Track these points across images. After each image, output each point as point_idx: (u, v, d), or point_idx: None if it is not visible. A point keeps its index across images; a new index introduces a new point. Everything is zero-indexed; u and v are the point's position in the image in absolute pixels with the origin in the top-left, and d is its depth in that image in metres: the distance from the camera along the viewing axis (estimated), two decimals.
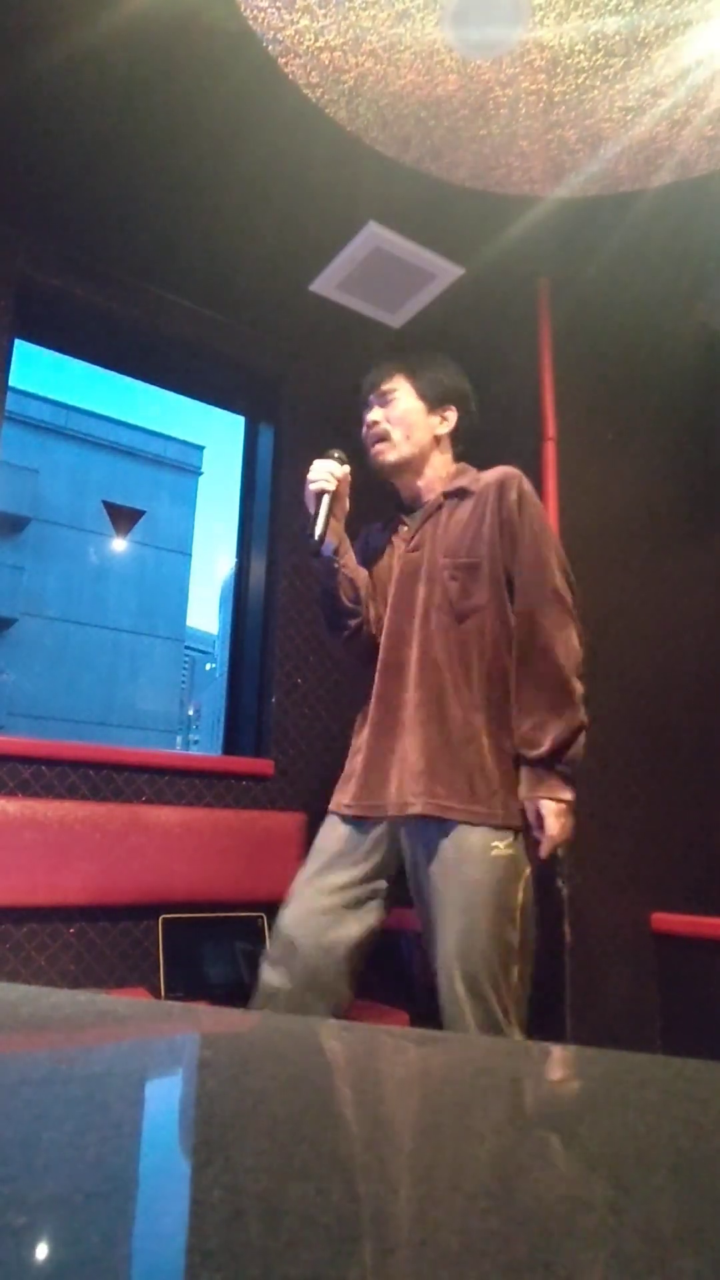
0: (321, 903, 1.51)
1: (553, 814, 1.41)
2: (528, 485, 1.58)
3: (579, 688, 1.47)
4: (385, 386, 1.64)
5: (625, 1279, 0.29)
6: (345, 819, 1.57)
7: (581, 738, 1.45)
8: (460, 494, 1.60)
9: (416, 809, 1.46)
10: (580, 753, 1.45)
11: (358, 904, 1.52)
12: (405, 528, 1.66)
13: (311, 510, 1.56)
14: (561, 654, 1.46)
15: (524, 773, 1.45)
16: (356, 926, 1.51)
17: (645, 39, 1.72)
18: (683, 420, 2.81)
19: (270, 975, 1.49)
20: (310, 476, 1.57)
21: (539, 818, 1.42)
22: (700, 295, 2.57)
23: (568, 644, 1.47)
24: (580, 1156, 0.44)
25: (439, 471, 1.66)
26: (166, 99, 1.94)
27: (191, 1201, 0.35)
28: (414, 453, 1.62)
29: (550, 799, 1.42)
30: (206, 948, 2.16)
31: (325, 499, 1.54)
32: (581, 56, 1.77)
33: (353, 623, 1.63)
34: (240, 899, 2.27)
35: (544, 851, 1.44)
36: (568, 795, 1.43)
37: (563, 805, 1.42)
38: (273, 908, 2.32)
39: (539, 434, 2.36)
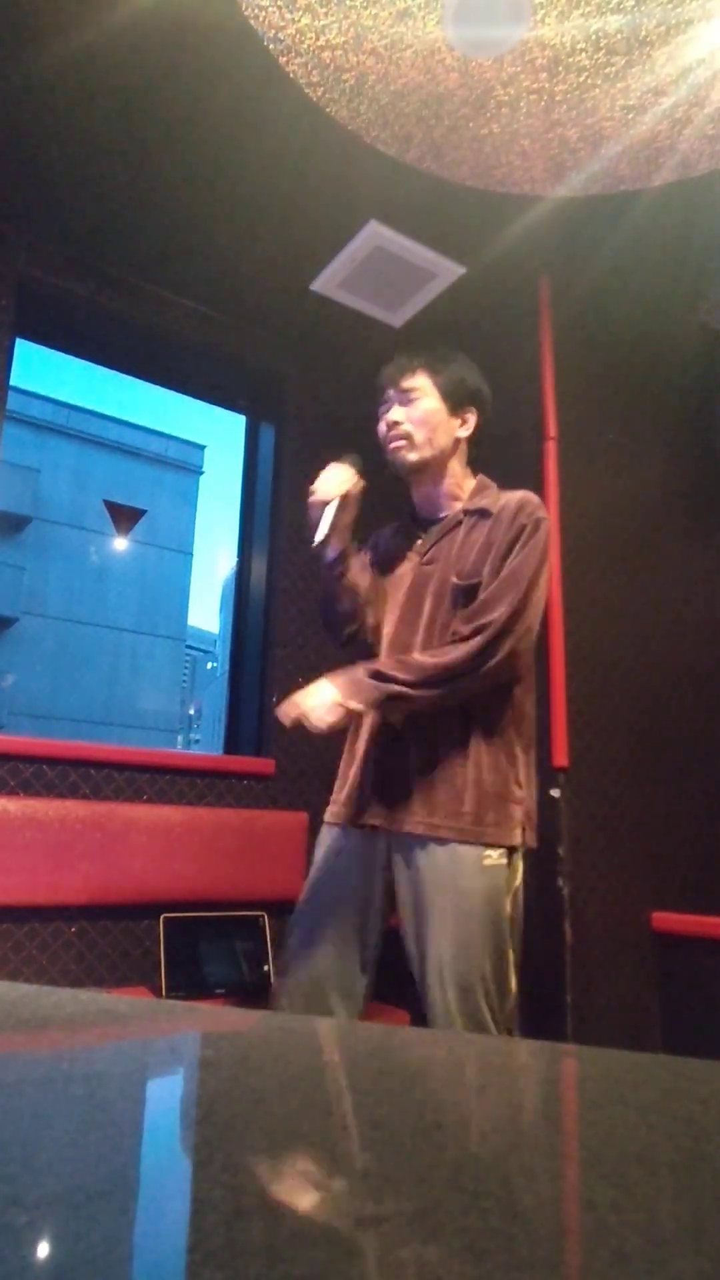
0: (328, 920, 1.51)
1: (323, 696, 1.41)
2: (543, 514, 1.53)
3: (428, 693, 1.42)
4: (407, 384, 1.58)
5: (626, 1279, 0.29)
6: (340, 830, 1.57)
7: (395, 694, 1.42)
8: (481, 514, 1.56)
9: (408, 827, 1.45)
10: (379, 696, 1.42)
11: (361, 913, 1.51)
12: (421, 540, 1.63)
13: (314, 516, 1.55)
14: (456, 666, 1.42)
15: (355, 675, 1.44)
16: (363, 936, 1.51)
17: (647, 38, 1.72)
18: (684, 420, 2.80)
19: (283, 988, 1.51)
20: (316, 485, 1.55)
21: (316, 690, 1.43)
22: (701, 295, 2.57)
23: (465, 673, 1.43)
24: (581, 1156, 0.44)
25: (456, 477, 1.62)
26: (167, 98, 1.94)
27: (192, 1200, 0.35)
28: (434, 455, 1.58)
29: (337, 687, 1.42)
30: (207, 947, 2.17)
31: (331, 506, 1.53)
32: (583, 55, 1.77)
33: (347, 630, 1.64)
34: (241, 898, 2.28)
35: (287, 713, 1.45)
36: (350, 700, 1.41)
37: (335, 702, 1.41)
38: (274, 907, 2.33)
39: (540, 433, 2.35)
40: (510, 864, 1.44)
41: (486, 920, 1.39)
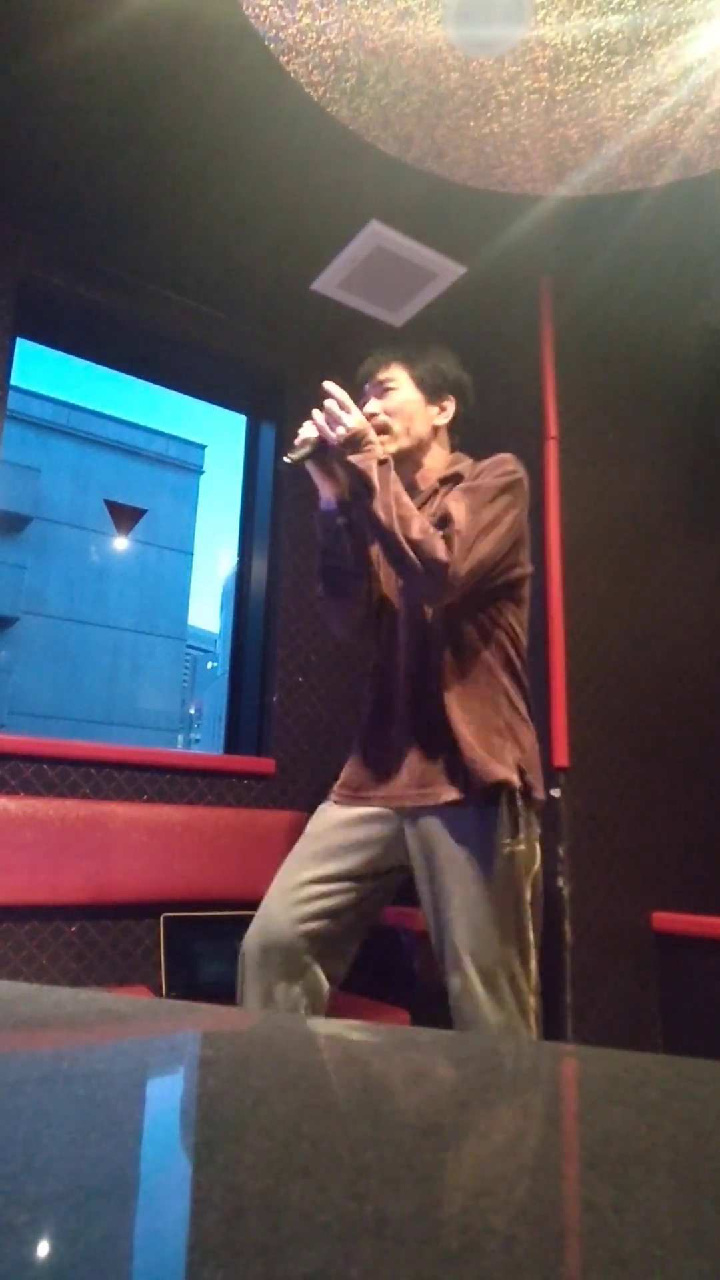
0: (304, 884, 1.48)
1: (350, 414, 1.45)
2: (512, 466, 1.52)
3: (390, 532, 1.41)
4: (382, 376, 1.62)
5: (626, 1279, 0.29)
6: (345, 806, 1.55)
7: (370, 486, 1.43)
8: (454, 480, 1.58)
9: (420, 802, 1.45)
10: (364, 468, 1.44)
11: (345, 893, 1.49)
12: None
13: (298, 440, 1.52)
14: (429, 549, 1.40)
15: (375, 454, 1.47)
16: (341, 912, 1.48)
17: (647, 37, 1.72)
18: (685, 419, 2.80)
19: (245, 942, 1.50)
20: (328, 405, 1.50)
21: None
22: (703, 294, 2.57)
23: (434, 555, 1.40)
24: (581, 1156, 0.44)
25: (437, 462, 1.65)
26: (167, 98, 1.94)
27: (192, 1200, 0.35)
28: (413, 445, 1.61)
29: (363, 427, 1.45)
30: (208, 946, 2.17)
31: (312, 443, 1.50)
32: (584, 55, 1.77)
33: (356, 587, 1.57)
34: (241, 897, 2.27)
35: (301, 435, 1.49)
36: (351, 441, 1.45)
37: (352, 428, 1.44)
38: None
39: (541, 433, 2.35)
40: (529, 849, 1.43)
41: (507, 903, 1.39)
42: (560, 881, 2.08)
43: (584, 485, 2.39)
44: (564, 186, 2.14)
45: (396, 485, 1.46)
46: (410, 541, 1.41)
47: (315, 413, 1.52)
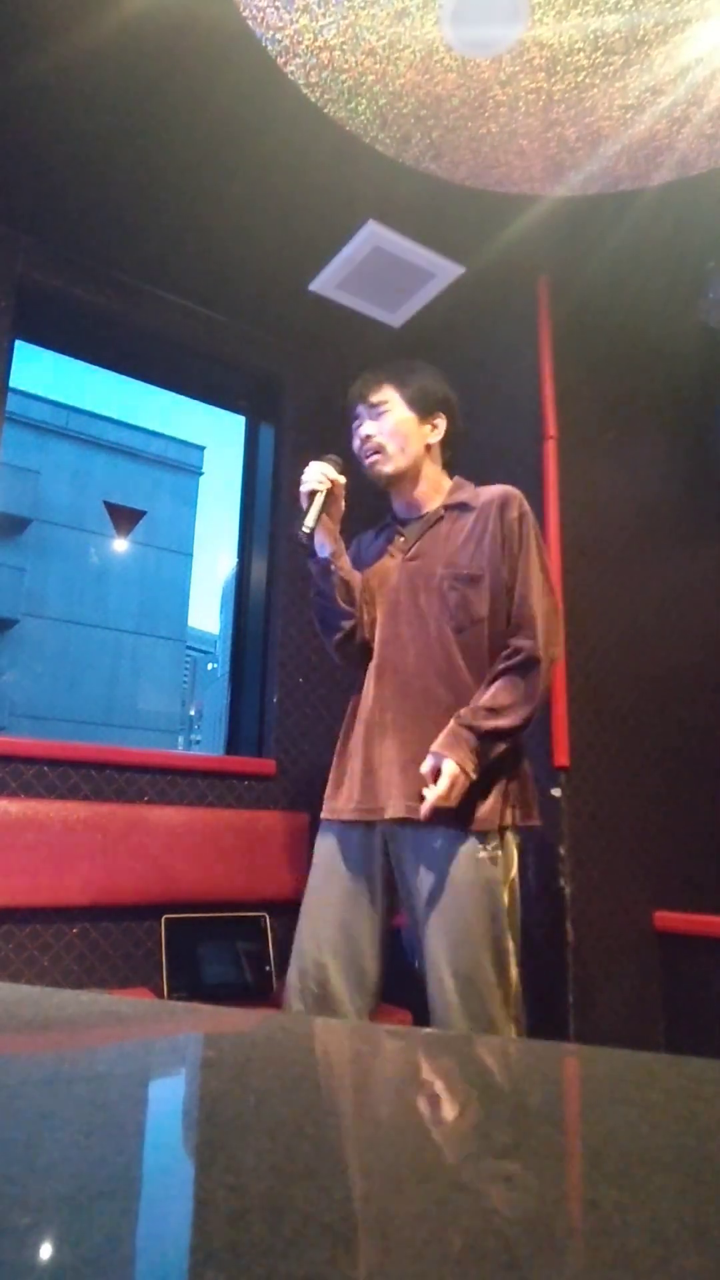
0: (325, 911, 1.55)
1: (450, 777, 1.41)
2: (528, 506, 1.62)
3: (532, 715, 1.49)
4: (374, 398, 1.66)
5: (629, 1279, 0.29)
6: (340, 826, 1.60)
7: (509, 744, 1.48)
8: (461, 508, 1.63)
9: (401, 814, 1.48)
10: (500, 752, 1.46)
11: (361, 908, 1.54)
12: (402, 537, 1.69)
13: (304, 507, 1.61)
14: (529, 689, 1.50)
15: (452, 728, 1.45)
16: (370, 928, 1.54)
17: (645, 37, 1.72)
18: (683, 419, 2.80)
19: (292, 989, 1.53)
20: (304, 477, 1.62)
21: (436, 773, 1.43)
22: (701, 294, 2.57)
23: (537, 679, 1.51)
24: (584, 1156, 0.44)
25: (433, 480, 1.69)
26: (166, 99, 1.94)
27: (195, 1201, 0.35)
28: (409, 464, 1.65)
29: (458, 764, 1.42)
30: (209, 948, 2.16)
31: (318, 497, 1.59)
32: (581, 55, 1.77)
33: (346, 624, 1.65)
34: (243, 899, 2.28)
35: (424, 810, 1.42)
36: (472, 772, 1.43)
37: (463, 777, 1.42)
38: (275, 907, 2.33)
39: (539, 433, 2.35)
40: (505, 856, 1.46)
41: (484, 913, 1.41)
42: (561, 881, 2.08)
43: (583, 485, 2.39)
44: (561, 186, 2.14)
45: (469, 729, 1.44)
46: (529, 701, 1.48)
47: (310, 467, 1.61)
